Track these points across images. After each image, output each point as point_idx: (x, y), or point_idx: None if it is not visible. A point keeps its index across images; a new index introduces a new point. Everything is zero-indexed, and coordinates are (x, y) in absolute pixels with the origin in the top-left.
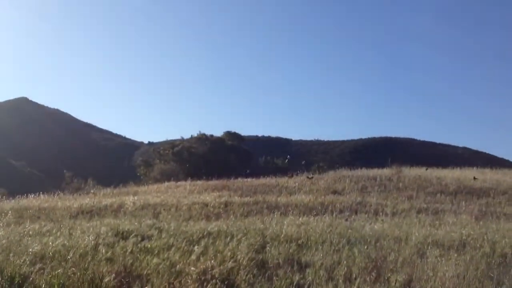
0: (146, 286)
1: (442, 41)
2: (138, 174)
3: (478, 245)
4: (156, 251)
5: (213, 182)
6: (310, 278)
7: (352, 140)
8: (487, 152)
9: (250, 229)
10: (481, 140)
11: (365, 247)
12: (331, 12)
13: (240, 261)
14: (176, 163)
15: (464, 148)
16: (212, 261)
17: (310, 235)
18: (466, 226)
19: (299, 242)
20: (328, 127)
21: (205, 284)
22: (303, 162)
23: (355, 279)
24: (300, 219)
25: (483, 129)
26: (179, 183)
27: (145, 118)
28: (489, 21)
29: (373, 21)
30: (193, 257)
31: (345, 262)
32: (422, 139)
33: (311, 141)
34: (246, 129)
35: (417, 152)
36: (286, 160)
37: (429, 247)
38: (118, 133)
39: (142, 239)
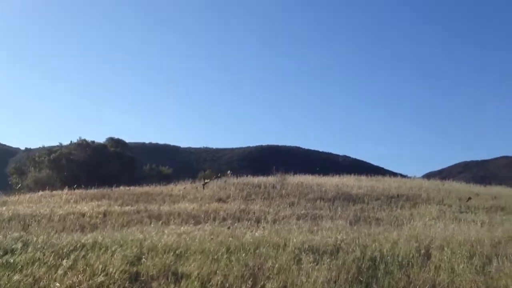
0: None
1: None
2: (10, 182)
3: (350, 249)
4: (19, 267)
5: (93, 191)
6: None
7: (241, 148)
8: (365, 160)
9: (128, 240)
10: (360, 150)
11: (244, 255)
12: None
13: (112, 274)
14: (53, 171)
15: (345, 156)
16: (80, 276)
17: (190, 245)
18: (341, 231)
19: (177, 252)
20: (216, 136)
21: None
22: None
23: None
24: (182, 228)
25: (361, 139)
26: (54, 192)
27: (22, 122)
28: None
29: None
30: (60, 271)
31: (221, 271)
32: (306, 147)
33: (199, 148)
34: (132, 136)
35: (302, 159)
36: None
37: (305, 253)
38: None
39: (5, 254)
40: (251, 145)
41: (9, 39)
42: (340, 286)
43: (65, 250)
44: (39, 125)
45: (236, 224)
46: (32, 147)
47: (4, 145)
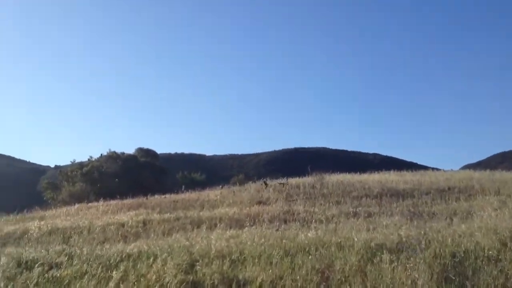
0: None
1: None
2: (44, 198)
3: (422, 246)
4: (67, 281)
5: (128, 201)
6: None
7: (266, 152)
8: (396, 157)
9: (175, 247)
10: (390, 147)
11: (307, 257)
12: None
13: (168, 285)
14: (86, 184)
15: (375, 154)
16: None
17: (243, 249)
18: (401, 228)
19: (232, 257)
20: (241, 141)
21: None
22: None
23: None
24: (228, 232)
25: (391, 136)
26: (90, 204)
27: (50, 141)
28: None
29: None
30: (112, 284)
31: (288, 276)
32: (334, 147)
33: (225, 155)
34: (158, 147)
35: (330, 160)
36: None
37: (375, 252)
38: (21, 158)
39: (50, 268)
40: (276, 149)
41: (34, 55)
42: (430, 287)
43: (111, 261)
44: (66, 143)
45: (283, 226)
46: (61, 164)
47: (34, 163)
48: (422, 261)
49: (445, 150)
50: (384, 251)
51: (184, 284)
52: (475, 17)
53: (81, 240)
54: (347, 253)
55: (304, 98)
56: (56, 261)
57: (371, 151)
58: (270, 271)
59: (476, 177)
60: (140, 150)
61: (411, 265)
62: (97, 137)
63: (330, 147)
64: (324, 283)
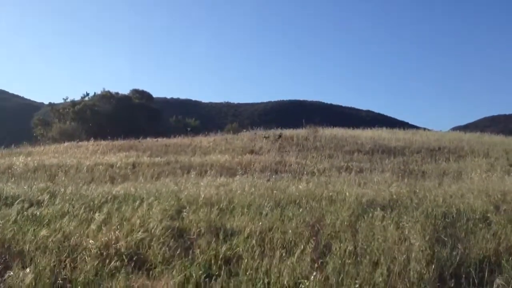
0: (28, 266)
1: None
2: (34, 134)
3: (413, 204)
4: (46, 220)
5: (119, 142)
6: (239, 248)
7: (262, 103)
8: (388, 115)
9: (162, 192)
10: (382, 104)
11: (298, 209)
12: None
13: (152, 230)
14: (78, 123)
15: (368, 111)
16: (117, 232)
17: (232, 198)
18: (391, 185)
19: (221, 205)
20: (237, 90)
21: (107, 261)
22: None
23: (293, 248)
24: (218, 180)
25: (385, 94)
26: (80, 143)
27: (46, 77)
28: None
29: None
30: (93, 226)
31: (277, 227)
32: (328, 101)
33: (221, 103)
34: (154, 91)
35: (324, 114)
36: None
37: (366, 207)
38: (16, 93)
39: (31, 206)
40: (272, 100)
41: None
42: (421, 247)
43: (96, 202)
44: (62, 79)
45: (274, 176)
46: (55, 102)
47: (28, 99)
48: (414, 219)
49: (435, 111)
50: (376, 208)
51: (170, 230)
52: None
53: (66, 179)
54: (338, 208)
55: (302, 51)
56: (38, 198)
57: (364, 108)
58: (259, 222)
59: (465, 138)
60: (135, 91)
61: (403, 223)
62: (93, 76)
63: (325, 101)
64: (314, 237)
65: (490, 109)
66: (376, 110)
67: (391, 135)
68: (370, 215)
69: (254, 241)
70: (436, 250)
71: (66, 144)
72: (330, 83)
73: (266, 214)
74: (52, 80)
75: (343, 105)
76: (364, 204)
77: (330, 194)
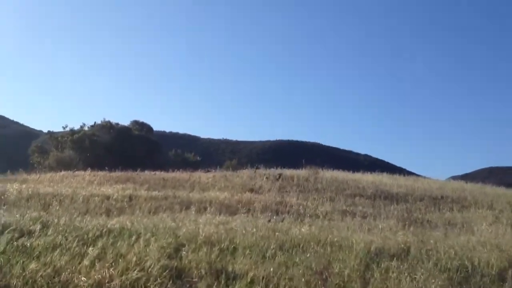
0: None
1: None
2: (31, 162)
3: (423, 256)
4: (37, 253)
5: (117, 174)
6: None
7: (260, 142)
8: (386, 160)
9: (160, 228)
10: (380, 149)
11: (304, 254)
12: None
13: (149, 269)
14: (76, 152)
15: (366, 155)
16: (111, 269)
17: (233, 238)
18: (398, 232)
19: (222, 246)
20: (236, 128)
21: None
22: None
23: None
24: (218, 218)
25: (383, 139)
26: (77, 172)
27: (45, 104)
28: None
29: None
30: (86, 262)
31: (283, 274)
32: (326, 144)
33: (219, 139)
34: (153, 123)
35: (322, 156)
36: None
37: (373, 256)
38: (15, 119)
39: (21, 236)
40: (270, 139)
41: (33, 20)
42: None
43: (90, 236)
44: (62, 108)
45: (275, 217)
46: (55, 130)
47: (27, 126)
48: (427, 272)
49: (433, 159)
50: (385, 257)
51: (167, 270)
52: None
53: (61, 209)
54: (346, 255)
55: (300, 92)
56: (30, 228)
57: (362, 152)
58: (263, 266)
59: (468, 188)
60: (135, 122)
61: (417, 276)
62: (94, 106)
63: (323, 143)
64: (322, 287)
65: (486, 160)
66: (373, 154)
67: (392, 181)
68: (381, 265)
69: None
70: None
71: (62, 173)
72: (328, 126)
73: (270, 258)
74: (53, 108)
75: (341, 147)
76: (372, 252)
77: (335, 239)
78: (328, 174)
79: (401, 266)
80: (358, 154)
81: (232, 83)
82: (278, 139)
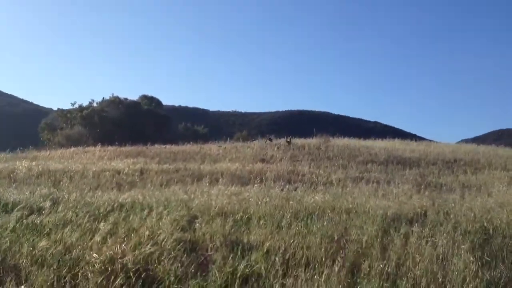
0: (24, 283)
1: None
2: (41, 139)
3: (442, 219)
4: (47, 230)
5: (127, 148)
6: (259, 266)
7: (269, 113)
8: (396, 126)
9: (172, 200)
10: (389, 116)
11: (320, 222)
12: None
13: (163, 243)
14: (85, 128)
15: (376, 122)
16: (124, 245)
17: (247, 208)
18: (412, 197)
19: (236, 217)
20: (245, 99)
21: (112, 278)
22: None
23: (318, 266)
24: (230, 188)
25: (390, 105)
26: (87, 148)
27: (54, 82)
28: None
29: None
30: (98, 238)
31: (297, 243)
32: (336, 112)
33: (228, 112)
34: (163, 98)
35: (332, 125)
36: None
37: (390, 221)
38: (24, 98)
39: (31, 213)
40: (280, 110)
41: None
42: (463, 267)
43: (101, 211)
44: (71, 85)
45: (287, 186)
46: (64, 108)
47: (37, 105)
48: (449, 236)
49: (441, 123)
50: (402, 222)
51: (181, 244)
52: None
53: (71, 185)
54: (363, 221)
55: (309, 61)
56: (40, 205)
57: (372, 119)
58: (278, 236)
59: (480, 151)
60: (144, 97)
61: (438, 240)
62: (103, 82)
63: (333, 112)
64: (341, 255)
65: (496, 123)
66: (383, 121)
67: (405, 146)
68: (400, 230)
69: (275, 258)
70: (479, 271)
71: (72, 149)
72: (336, 94)
73: (285, 227)
74: (62, 85)
75: (351, 116)
76: (389, 217)
77: (350, 206)
78: (340, 142)
79: (420, 231)
80: (368, 122)
81: (240, 55)
82: (287, 109)
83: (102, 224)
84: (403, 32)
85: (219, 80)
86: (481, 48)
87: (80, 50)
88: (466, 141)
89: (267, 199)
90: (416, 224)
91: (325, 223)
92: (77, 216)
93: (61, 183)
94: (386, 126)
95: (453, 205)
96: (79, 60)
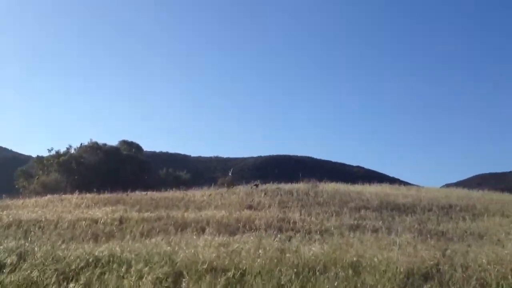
0: None
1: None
2: (16, 186)
3: (456, 275)
4: None
5: (106, 196)
6: None
7: (251, 158)
8: (379, 171)
9: (153, 254)
10: (370, 160)
11: (324, 281)
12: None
13: None
14: (62, 175)
15: (358, 167)
16: None
17: (238, 262)
18: (416, 247)
19: (229, 274)
20: (226, 145)
21: None
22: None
23: None
24: (217, 239)
25: (372, 150)
26: (64, 196)
27: (33, 129)
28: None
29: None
30: None
31: None
32: (318, 157)
33: (210, 157)
34: (142, 144)
35: (314, 169)
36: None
37: (406, 279)
38: (3, 145)
39: None
40: (262, 155)
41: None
42: None
43: (73, 267)
44: (50, 132)
45: (279, 235)
46: (44, 155)
47: (15, 152)
48: None
49: (422, 168)
50: (418, 279)
51: None
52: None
53: (44, 236)
54: (375, 279)
55: (289, 106)
56: (4, 261)
57: (354, 164)
58: None
59: (474, 196)
60: (124, 142)
61: None
62: (81, 129)
63: (315, 157)
64: None
65: (476, 167)
66: (365, 166)
67: (395, 191)
68: None
69: None
70: None
71: (48, 197)
72: (318, 139)
73: (285, 285)
74: (40, 133)
75: (333, 160)
76: (401, 273)
77: (355, 259)
78: (328, 187)
79: None
80: (350, 166)
81: (220, 100)
82: (269, 154)
83: (72, 285)
84: (381, 88)
85: (200, 126)
86: (459, 96)
87: (58, 94)
88: (449, 185)
89: (260, 251)
90: (433, 281)
91: (335, 284)
92: (44, 274)
93: (32, 233)
94: (368, 170)
95: (463, 257)
96: (57, 104)
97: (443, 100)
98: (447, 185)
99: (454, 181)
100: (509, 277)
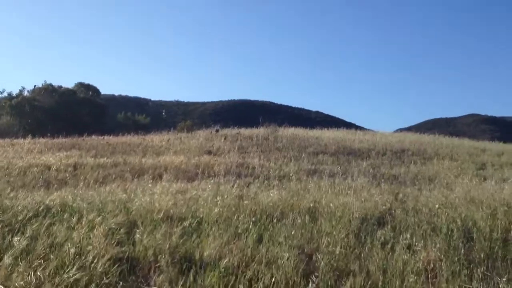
0: None
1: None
2: None
3: (411, 217)
4: None
5: (60, 140)
6: None
7: (212, 102)
8: (337, 116)
9: (108, 202)
10: (329, 105)
11: (281, 226)
12: None
13: (92, 265)
14: (15, 118)
15: (317, 112)
16: (40, 270)
17: (195, 211)
18: (370, 191)
19: (184, 223)
20: (187, 89)
21: None
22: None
23: None
24: (175, 185)
25: (330, 95)
26: (15, 141)
27: None
28: None
29: None
30: (7, 260)
31: (260, 257)
32: (279, 102)
33: (171, 101)
34: (102, 87)
35: (274, 114)
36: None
37: (361, 224)
38: None
39: None
40: (223, 99)
41: None
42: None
43: (20, 219)
44: (1, 73)
45: (238, 181)
46: None
47: None
48: (430, 242)
49: (377, 113)
50: (372, 224)
51: (117, 265)
52: None
53: None
54: (330, 225)
55: (250, 51)
56: None
57: (313, 109)
58: (237, 248)
59: (426, 140)
60: (80, 85)
61: (418, 247)
62: (35, 68)
63: (275, 102)
64: (315, 274)
65: (427, 113)
66: (324, 111)
67: (352, 136)
68: (374, 236)
69: (235, 281)
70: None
71: None
72: (278, 84)
73: (241, 234)
74: None
75: (293, 105)
76: (356, 219)
77: (311, 205)
78: (287, 132)
79: (394, 235)
80: (309, 111)
81: (182, 43)
82: (230, 99)
83: (16, 239)
84: (340, 22)
85: (161, 69)
86: (417, 41)
87: (11, 33)
88: (402, 130)
89: (218, 198)
90: (386, 226)
91: (293, 232)
92: None
93: None
94: (327, 115)
95: (415, 200)
96: (8, 44)
97: (399, 48)
98: (400, 130)
99: (406, 126)
100: (458, 220)
